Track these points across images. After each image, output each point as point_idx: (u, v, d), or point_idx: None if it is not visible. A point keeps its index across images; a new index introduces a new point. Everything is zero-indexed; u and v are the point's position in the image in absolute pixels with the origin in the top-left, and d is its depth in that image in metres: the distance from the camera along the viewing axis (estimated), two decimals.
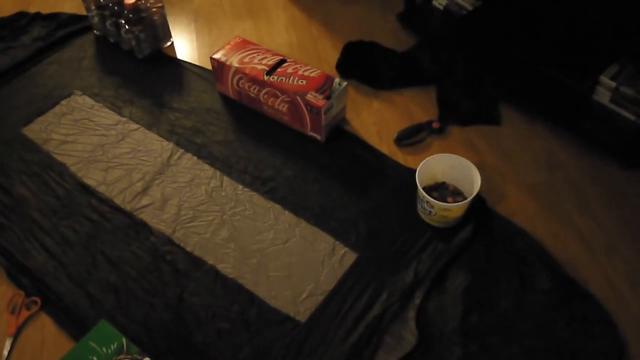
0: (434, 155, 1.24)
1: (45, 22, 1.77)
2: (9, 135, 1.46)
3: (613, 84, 1.36)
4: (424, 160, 1.22)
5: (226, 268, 1.18)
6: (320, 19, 1.78)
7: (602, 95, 1.40)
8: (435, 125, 1.42)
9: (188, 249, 1.21)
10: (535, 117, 1.45)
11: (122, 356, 1.00)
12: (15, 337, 1.10)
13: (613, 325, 1.07)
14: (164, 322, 1.10)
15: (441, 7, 1.71)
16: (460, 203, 1.16)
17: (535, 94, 1.45)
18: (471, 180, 1.21)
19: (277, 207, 1.28)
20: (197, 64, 1.64)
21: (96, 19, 1.67)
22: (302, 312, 1.11)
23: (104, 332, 1.04)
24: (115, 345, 1.02)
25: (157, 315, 1.11)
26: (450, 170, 1.25)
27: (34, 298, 1.14)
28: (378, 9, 1.80)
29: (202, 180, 1.34)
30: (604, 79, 1.38)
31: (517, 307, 1.09)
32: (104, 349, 1.01)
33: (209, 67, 1.58)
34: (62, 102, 1.54)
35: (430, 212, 1.19)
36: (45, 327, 1.12)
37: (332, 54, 1.64)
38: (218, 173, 1.35)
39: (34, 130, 1.47)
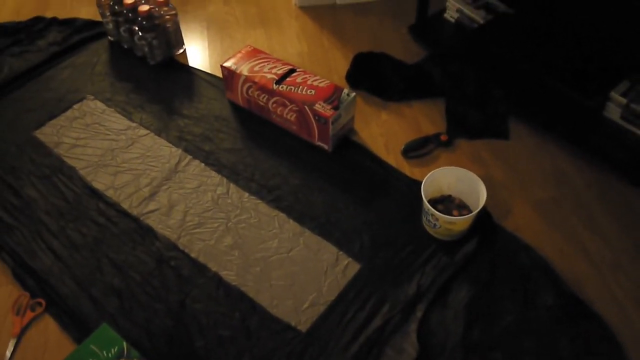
0: (441, 168, 1.23)
1: (62, 27, 1.80)
2: (21, 138, 1.48)
3: (624, 100, 1.35)
4: (430, 173, 1.22)
5: (229, 275, 1.18)
6: (332, 29, 1.79)
7: (613, 112, 1.39)
8: (444, 138, 1.42)
9: (192, 255, 1.22)
10: (544, 132, 1.44)
11: None
12: (19, 338, 1.11)
13: (617, 344, 1.05)
14: (166, 327, 1.11)
15: (453, 20, 1.71)
16: (465, 216, 1.16)
17: (545, 109, 1.45)
18: (477, 194, 1.21)
19: (282, 215, 1.28)
20: (209, 71, 1.66)
21: (111, 25, 1.70)
22: (303, 321, 1.11)
23: (105, 336, 1.05)
24: (115, 349, 1.02)
25: (160, 320, 1.12)
26: (456, 183, 1.25)
27: (39, 299, 1.16)
28: (390, 21, 1.80)
29: (209, 187, 1.35)
30: (615, 95, 1.37)
31: (520, 323, 1.08)
32: (104, 352, 1.02)
33: (220, 74, 1.59)
34: (75, 106, 1.56)
35: (435, 224, 1.19)
36: (49, 328, 1.12)
37: (342, 64, 1.65)
38: (225, 180, 1.36)
39: (46, 134, 1.49)
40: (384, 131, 1.47)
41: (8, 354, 1.08)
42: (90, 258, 1.22)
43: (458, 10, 1.69)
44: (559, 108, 1.44)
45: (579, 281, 1.15)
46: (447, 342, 1.07)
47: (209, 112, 1.53)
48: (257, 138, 1.46)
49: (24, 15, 1.87)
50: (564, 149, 1.40)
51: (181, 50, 1.72)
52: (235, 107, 1.55)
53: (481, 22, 1.64)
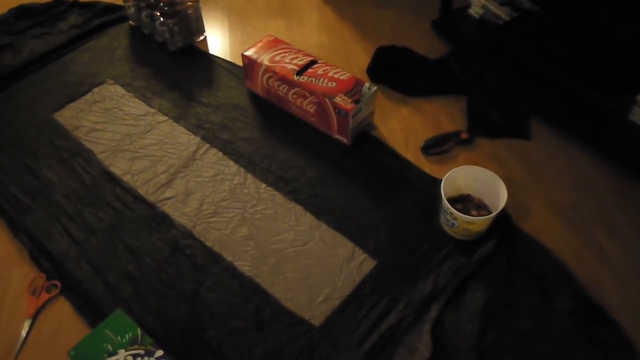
0: (461, 167, 1.22)
1: (83, 10, 1.80)
2: (40, 119, 1.48)
3: None
4: (450, 171, 1.21)
5: (244, 266, 1.18)
6: (353, 21, 1.77)
7: (639, 116, 1.36)
8: (464, 135, 1.41)
9: (208, 244, 1.22)
10: (566, 134, 1.42)
11: (136, 346, 1.01)
12: (34, 319, 1.12)
13: (634, 353, 1.04)
14: (178, 315, 1.11)
15: (477, 16, 1.69)
16: (485, 217, 1.15)
17: (568, 111, 1.43)
18: (497, 194, 1.19)
19: (299, 208, 1.27)
20: (228, 59, 1.65)
21: (132, 10, 1.69)
22: (316, 315, 1.10)
23: (120, 322, 1.05)
24: (130, 335, 1.02)
25: (173, 308, 1.12)
26: (476, 182, 1.24)
27: (54, 282, 1.16)
28: (412, 15, 1.78)
29: (226, 176, 1.34)
30: None
31: (535, 328, 1.07)
32: (118, 337, 1.02)
33: (240, 63, 1.58)
34: (94, 90, 1.56)
35: (453, 224, 1.18)
36: (64, 311, 1.13)
37: (362, 58, 1.63)
38: (242, 170, 1.35)
39: (65, 116, 1.49)
40: (403, 127, 1.46)
41: (23, 333, 1.09)
42: (106, 243, 1.22)
43: (483, 6, 1.66)
44: (582, 110, 1.42)
45: (597, 287, 1.14)
46: (461, 343, 1.06)
47: (228, 101, 1.52)
48: (276, 129, 1.45)
49: None
50: (586, 152, 1.38)
51: (201, 38, 1.72)
52: (254, 96, 1.54)
53: (506, 18, 1.62)
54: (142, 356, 1.00)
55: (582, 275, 1.15)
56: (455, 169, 1.21)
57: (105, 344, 1.01)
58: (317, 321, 1.10)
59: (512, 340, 1.06)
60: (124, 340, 1.01)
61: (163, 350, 1.02)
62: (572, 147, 1.40)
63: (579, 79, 1.45)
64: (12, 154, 1.40)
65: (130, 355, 1.00)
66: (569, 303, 1.10)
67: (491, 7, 1.64)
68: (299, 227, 1.24)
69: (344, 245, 1.21)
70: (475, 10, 1.69)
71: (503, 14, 1.62)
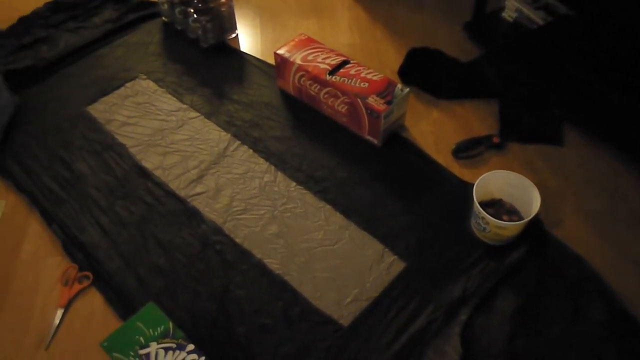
0: (494, 171, 1.21)
1: (117, 5, 1.82)
2: (74, 112, 1.50)
3: None
4: (483, 175, 1.20)
5: (273, 264, 1.18)
6: (385, 22, 1.77)
7: None
8: (495, 140, 1.39)
9: (237, 240, 1.22)
10: (599, 141, 1.40)
11: (167, 340, 1.02)
12: (66, 309, 1.13)
13: None
14: (208, 311, 1.11)
15: (510, 20, 1.67)
16: (517, 222, 1.14)
17: (602, 117, 1.41)
18: (529, 200, 1.18)
19: (329, 207, 1.27)
20: (259, 57, 1.66)
21: (165, 6, 1.71)
22: (345, 315, 1.10)
23: (152, 314, 1.06)
24: (161, 329, 1.03)
25: (202, 304, 1.12)
26: (508, 188, 1.23)
27: (86, 273, 1.18)
28: (444, 17, 1.77)
29: (256, 173, 1.35)
30: None
31: (567, 336, 1.06)
32: (150, 330, 1.03)
33: (271, 61, 1.59)
34: (127, 85, 1.57)
35: (484, 228, 1.17)
36: (95, 302, 1.15)
37: (394, 59, 1.63)
38: (272, 168, 1.36)
39: (98, 110, 1.51)
40: (434, 129, 1.45)
41: (56, 322, 1.10)
42: (137, 236, 1.24)
43: (517, 10, 1.65)
44: (616, 116, 1.40)
45: (631, 297, 1.12)
46: (490, 349, 1.05)
47: (259, 99, 1.53)
48: (306, 128, 1.45)
49: None
50: (620, 160, 1.36)
51: (233, 35, 1.73)
52: (285, 95, 1.54)
53: (541, 23, 1.60)
54: (173, 350, 1.01)
55: (615, 284, 1.14)
56: (488, 173, 1.20)
57: (137, 337, 1.02)
58: (345, 321, 1.10)
59: (543, 348, 1.05)
60: (156, 333, 1.03)
61: (194, 345, 1.03)
62: (605, 154, 1.38)
63: (614, 85, 1.43)
64: (46, 146, 1.42)
65: (161, 348, 1.00)
66: (601, 312, 1.09)
67: (525, 10, 1.62)
68: (329, 226, 1.24)
69: (374, 246, 1.21)
70: (508, 14, 1.68)
71: (537, 18, 1.60)
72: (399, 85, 1.36)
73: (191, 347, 1.01)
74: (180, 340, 1.02)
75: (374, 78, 1.37)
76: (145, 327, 1.03)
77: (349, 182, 1.33)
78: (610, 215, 1.26)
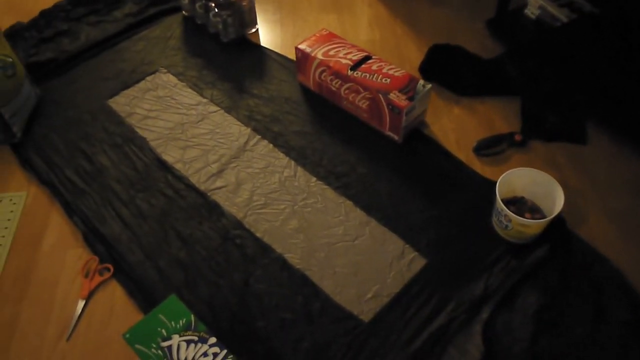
0: (517, 169, 1.20)
1: None
2: (95, 105, 1.51)
3: None
4: (506, 172, 1.18)
5: (293, 258, 1.18)
6: (405, 18, 1.76)
7: None
8: (518, 137, 1.38)
9: (258, 234, 1.22)
10: (624, 140, 1.38)
11: (189, 332, 1.02)
12: (87, 301, 1.14)
13: None
14: (229, 304, 1.11)
15: (533, 17, 1.65)
16: (540, 220, 1.12)
17: (626, 116, 1.39)
18: (552, 198, 1.17)
19: (349, 203, 1.27)
20: (279, 52, 1.65)
21: (186, 0, 1.71)
22: (365, 311, 1.10)
23: (174, 307, 1.06)
24: (184, 321, 1.04)
25: (223, 297, 1.13)
26: (531, 185, 1.21)
27: (107, 265, 1.18)
28: (466, 13, 1.76)
29: (277, 168, 1.34)
30: None
31: (591, 336, 1.05)
32: (172, 323, 1.03)
33: (291, 56, 1.58)
34: (147, 78, 1.58)
35: (507, 226, 1.16)
36: (116, 294, 1.15)
37: (415, 55, 1.62)
38: (293, 163, 1.35)
39: (119, 103, 1.51)
40: (455, 126, 1.44)
41: (77, 313, 1.11)
42: (157, 229, 1.24)
43: (540, 7, 1.63)
44: None
45: None
46: (513, 348, 1.04)
47: (279, 94, 1.53)
48: (326, 123, 1.45)
49: None
50: None
51: (253, 30, 1.72)
52: (305, 90, 1.54)
53: (564, 20, 1.58)
54: (195, 342, 1.01)
55: (638, 283, 1.12)
56: (511, 170, 1.19)
57: (159, 329, 1.02)
58: (366, 317, 1.09)
59: (566, 347, 1.03)
60: (178, 325, 1.03)
61: (216, 338, 1.03)
62: (630, 153, 1.36)
63: (638, 84, 1.41)
64: (67, 138, 1.43)
65: (184, 340, 1.01)
66: (625, 312, 1.08)
67: (549, 8, 1.60)
68: (349, 222, 1.24)
69: (394, 243, 1.20)
70: (531, 11, 1.66)
71: (561, 15, 1.58)
72: (421, 82, 1.35)
73: (213, 340, 1.01)
74: (202, 333, 1.02)
75: (396, 74, 1.36)
76: (167, 319, 1.04)
77: (369, 178, 1.32)
78: (634, 215, 1.24)
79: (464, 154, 1.38)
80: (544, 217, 1.19)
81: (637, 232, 1.21)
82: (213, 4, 1.61)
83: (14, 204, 1.30)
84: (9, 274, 1.18)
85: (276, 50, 1.67)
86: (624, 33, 1.52)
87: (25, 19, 1.76)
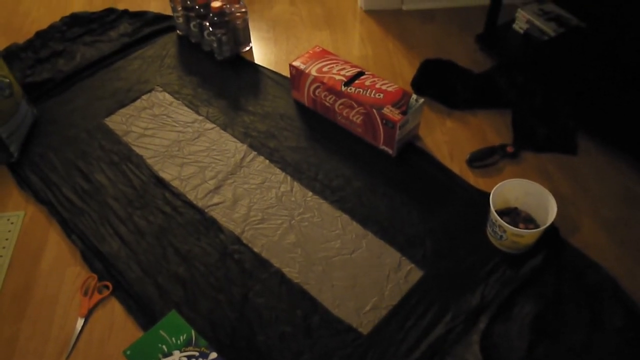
0: (510, 180, 1.22)
1: (133, 19, 1.85)
2: (92, 124, 1.52)
3: None
4: (500, 184, 1.21)
5: (292, 272, 1.19)
6: (397, 34, 1.79)
7: None
8: (509, 149, 1.40)
9: (256, 250, 1.23)
10: (613, 150, 1.41)
11: (190, 348, 1.02)
12: (87, 319, 1.14)
13: None
14: (228, 319, 1.12)
15: (521, 32, 1.69)
16: (534, 230, 1.14)
17: (615, 126, 1.42)
18: (545, 208, 1.19)
19: (346, 217, 1.28)
20: (273, 69, 1.68)
21: (181, 20, 1.73)
22: (364, 324, 1.11)
23: (174, 323, 1.07)
24: (184, 337, 1.04)
25: (222, 312, 1.13)
26: (524, 196, 1.23)
27: (106, 282, 1.19)
28: (456, 28, 1.79)
29: (273, 183, 1.36)
30: None
31: (586, 344, 1.06)
32: (173, 339, 1.04)
33: (285, 73, 1.61)
34: (143, 97, 1.59)
35: (501, 236, 1.18)
36: (115, 311, 1.15)
37: (407, 70, 1.65)
38: (289, 178, 1.37)
39: (115, 122, 1.53)
40: (448, 139, 1.46)
41: (76, 332, 1.11)
42: (156, 246, 1.25)
43: (528, 22, 1.66)
44: (629, 125, 1.40)
45: None
46: (510, 357, 1.05)
47: (274, 110, 1.55)
48: (321, 138, 1.47)
49: (97, 6, 1.93)
50: (634, 168, 1.37)
51: (247, 48, 1.75)
52: (300, 106, 1.56)
53: (552, 34, 1.62)
54: (196, 358, 1.01)
55: (633, 292, 1.14)
56: (505, 181, 1.21)
57: (160, 345, 1.03)
58: (365, 329, 1.10)
59: (562, 356, 1.05)
60: (179, 341, 1.03)
61: (217, 353, 1.03)
62: (620, 163, 1.39)
63: (626, 95, 1.44)
64: (64, 157, 1.44)
65: (184, 356, 1.01)
66: (620, 319, 1.09)
67: (536, 22, 1.64)
68: (346, 235, 1.25)
69: (391, 255, 1.21)
70: (520, 26, 1.69)
71: (549, 29, 1.62)
72: (414, 96, 1.37)
73: (214, 355, 1.02)
74: (203, 349, 1.03)
75: (389, 89, 1.39)
76: (168, 335, 1.04)
77: (364, 192, 1.34)
78: (625, 223, 1.27)
79: (457, 166, 1.40)
80: (537, 227, 1.21)
81: (629, 239, 1.23)
82: (207, 23, 1.63)
83: (12, 223, 1.31)
84: (8, 293, 1.19)
85: (270, 67, 1.69)
86: (610, 46, 1.55)
87: (21, 39, 1.78)
